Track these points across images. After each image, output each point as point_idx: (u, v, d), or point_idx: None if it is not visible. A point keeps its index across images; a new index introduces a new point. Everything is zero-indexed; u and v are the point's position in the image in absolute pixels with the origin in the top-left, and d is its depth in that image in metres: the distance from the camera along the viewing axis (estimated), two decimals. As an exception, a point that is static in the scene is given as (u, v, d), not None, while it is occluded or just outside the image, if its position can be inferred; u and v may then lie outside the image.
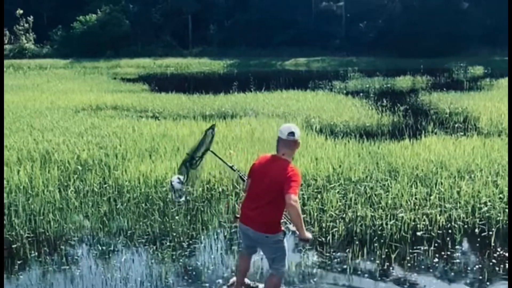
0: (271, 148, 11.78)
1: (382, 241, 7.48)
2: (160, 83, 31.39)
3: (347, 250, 7.17)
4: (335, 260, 6.91)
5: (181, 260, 6.86)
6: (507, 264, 6.69)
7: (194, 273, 6.55)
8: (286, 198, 5.16)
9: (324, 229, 7.83)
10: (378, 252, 7.08)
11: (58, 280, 6.42)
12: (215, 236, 7.63)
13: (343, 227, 7.85)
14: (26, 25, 61.91)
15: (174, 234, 7.72)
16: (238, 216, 5.80)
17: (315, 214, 8.29)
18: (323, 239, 7.56)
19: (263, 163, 5.65)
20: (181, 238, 7.61)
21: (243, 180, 6.00)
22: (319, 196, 8.97)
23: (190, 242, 7.51)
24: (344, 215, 8.24)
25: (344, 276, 6.42)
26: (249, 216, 5.59)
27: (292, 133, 5.49)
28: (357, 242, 7.41)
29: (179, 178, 6.16)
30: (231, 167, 6.26)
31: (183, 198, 6.63)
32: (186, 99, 21.71)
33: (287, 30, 59.68)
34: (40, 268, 6.79)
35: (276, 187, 5.32)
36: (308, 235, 5.39)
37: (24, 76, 34.61)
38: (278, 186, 5.29)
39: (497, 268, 6.60)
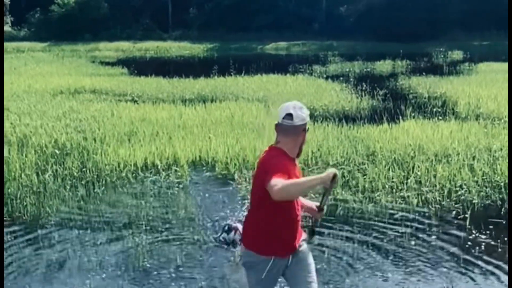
0: (249, 132, 11.88)
1: (360, 223, 7.53)
2: (140, 66, 31.17)
3: (325, 232, 7.21)
4: (314, 242, 6.94)
5: (156, 244, 6.85)
6: (482, 247, 6.78)
7: (170, 256, 6.54)
8: (268, 190, 3.78)
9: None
10: (357, 235, 7.13)
11: (34, 264, 6.37)
12: (190, 221, 7.63)
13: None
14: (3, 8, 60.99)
15: (150, 218, 7.71)
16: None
17: (294, 197, 8.31)
18: (303, 222, 7.57)
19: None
20: (157, 223, 7.59)
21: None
22: (297, 179, 8.99)
23: (166, 226, 7.49)
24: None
25: (322, 258, 6.46)
26: None
27: (289, 115, 4.04)
28: (335, 225, 7.46)
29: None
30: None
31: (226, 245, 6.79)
32: (165, 83, 21.59)
33: (267, 14, 59.43)
34: (16, 251, 6.73)
35: (254, 188, 4.14)
36: (328, 172, 3.82)
37: (1, 59, 34.13)
38: (255, 186, 4.11)
39: (472, 250, 6.68)
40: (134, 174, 9.58)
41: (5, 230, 7.28)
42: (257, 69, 26.52)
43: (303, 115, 4.08)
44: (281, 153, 4.03)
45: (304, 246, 4.27)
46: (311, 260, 4.29)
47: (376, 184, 8.74)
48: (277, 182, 3.71)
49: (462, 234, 7.15)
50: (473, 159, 9.84)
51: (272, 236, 4.05)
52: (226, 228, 6.93)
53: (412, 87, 21.35)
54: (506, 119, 13.08)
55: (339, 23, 57.21)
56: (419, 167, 9.36)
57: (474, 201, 8.14)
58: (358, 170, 9.39)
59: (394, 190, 8.58)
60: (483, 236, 7.07)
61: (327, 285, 5.84)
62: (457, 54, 40.72)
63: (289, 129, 4.02)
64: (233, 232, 6.79)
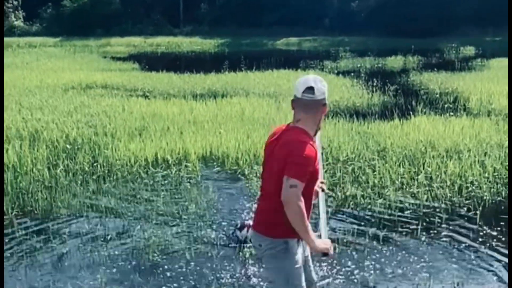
0: (260, 127, 11.88)
1: (369, 219, 7.52)
2: (151, 62, 31.24)
3: (335, 227, 7.20)
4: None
5: (167, 239, 6.87)
6: (493, 243, 6.76)
7: (180, 251, 6.56)
8: (284, 182, 3.62)
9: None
10: (366, 230, 7.12)
11: (45, 258, 6.42)
12: (200, 217, 7.65)
13: (333, 206, 7.90)
14: (15, 3, 61.36)
15: (161, 213, 7.73)
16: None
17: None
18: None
19: (272, 139, 3.94)
20: (168, 218, 7.61)
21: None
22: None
23: (177, 222, 7.51)
24: (333, 194, 8.28)
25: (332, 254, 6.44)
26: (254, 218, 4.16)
27: (310, 89, 3.77)
28: (345, 220, 7.47)
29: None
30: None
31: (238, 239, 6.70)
32: (176, 78, 21.62)
33: (278, 9, 59.36)
34: (27, 246, 6.78)
35: (277, 170, 3.73)
36: (321, 244, 3.81)
37: (13, 54, 34.31)
38: (280, 169, 3.70)
39: (483, 247, 6.66)
40: (145, 169, 9.61)
41: (17, 223, 7.33)
42: (268, 65, 26.51)
43: (324, 89, 3.82)
44: (308, 136, 3.79)
45: None
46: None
47: (386, 180, 8.72)
48: (296, 197, 3.58)
49: (472, 230, 7.13)
50: (485, 155, 9.79)
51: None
52: (239, 225, 6.82)
53: (424, 83, 21.27)
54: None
55: (350, 18, 57.06)
56: (429, 163, 9.33)
57: (485, 198, 8.11)
58: (368, 166, 9.37)
59: (404, 186, 8.56)
60: (494, 233, 7.05)
61: (336, 280, 5.84)
62: (469, 50, 40.50)
63: (310, 104, 3.78)
64: (245, 229, 6.61)
